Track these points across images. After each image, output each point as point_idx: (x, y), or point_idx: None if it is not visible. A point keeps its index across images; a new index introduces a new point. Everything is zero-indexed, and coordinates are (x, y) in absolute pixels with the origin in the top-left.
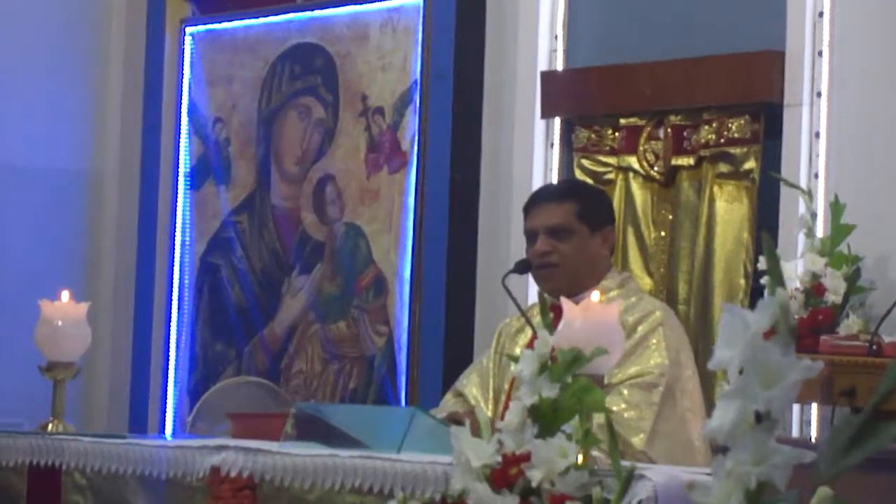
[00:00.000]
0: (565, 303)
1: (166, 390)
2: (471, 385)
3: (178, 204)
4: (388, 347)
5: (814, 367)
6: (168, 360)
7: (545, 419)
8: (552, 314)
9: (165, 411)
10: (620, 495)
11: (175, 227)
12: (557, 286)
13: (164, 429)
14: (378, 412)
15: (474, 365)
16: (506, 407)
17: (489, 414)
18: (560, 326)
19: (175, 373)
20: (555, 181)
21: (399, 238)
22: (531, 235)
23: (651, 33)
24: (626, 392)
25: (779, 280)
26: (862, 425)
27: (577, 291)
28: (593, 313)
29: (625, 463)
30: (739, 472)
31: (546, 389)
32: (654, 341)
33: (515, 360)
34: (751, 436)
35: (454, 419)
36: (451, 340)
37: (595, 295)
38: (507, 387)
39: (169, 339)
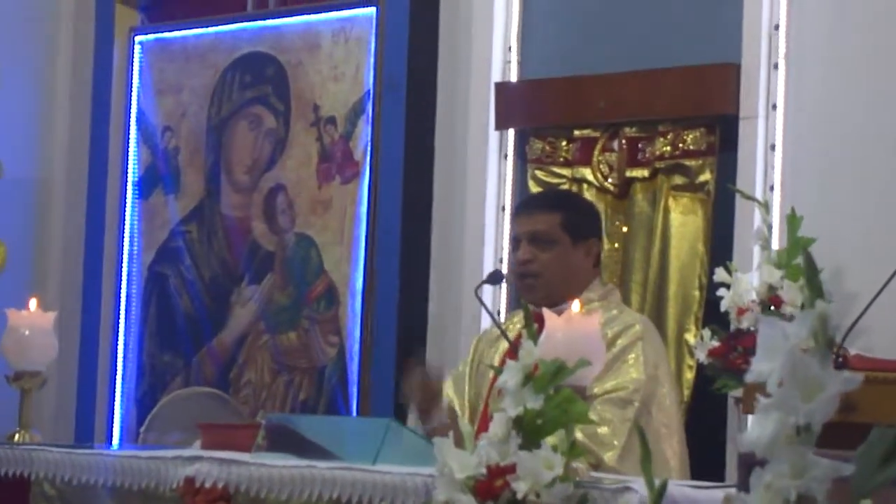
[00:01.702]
0: (547, 314)
1: (114, 400)
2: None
3: (126, 213)
4: (339, 358)
5: (854, 379)
6: (115, 370)
7: (530, 430)
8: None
9: (112, 421)
10: None
11: (123, 237)
12: (537, 296)
13: (111, 439)
14: (352, 424)
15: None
16: (483, 416)
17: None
18: (542, 337)
19: (122, 383)
20: (508, 193)
21: (351, 248)
22: (515, 242)
23: (606, 45)
24: (599, 407)
25: (817, 290)
26: None
27: (557, 301)
28: (575, 324)
29: (597, 475)
30: (779, 485)
31: (530, 401)
32: (633, 356)
33: (498, 370)
34: (790, 448)
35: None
36: (403, 352)
37: (576, 305)
38: (484, 394)
39: (116, 349)
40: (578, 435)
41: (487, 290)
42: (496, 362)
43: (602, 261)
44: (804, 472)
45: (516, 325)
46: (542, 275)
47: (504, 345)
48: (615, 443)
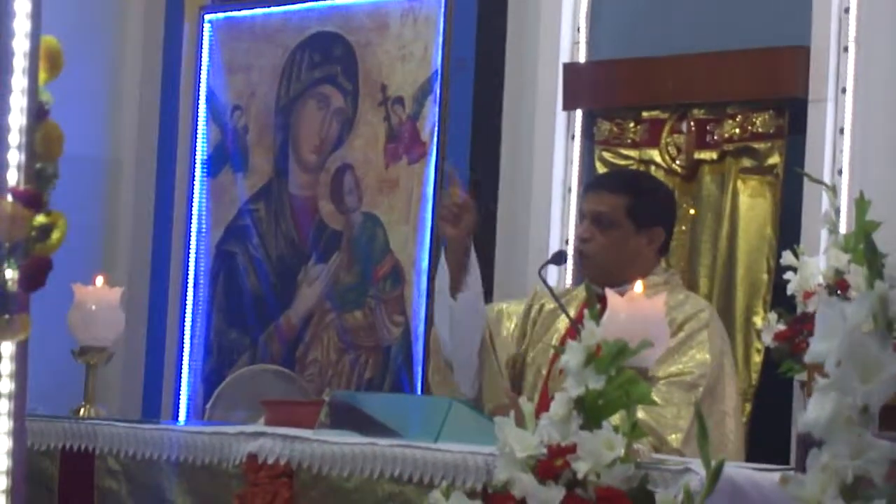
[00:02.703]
0: (610, 294)
1: (180, 377)
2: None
3: (194, 191)
4: (404, 338)
5: None
6: (183, 346)
7: (591, 411)
8: (588, 304)
9: (179, 398)
10: (709, 489)
11: (191, 215)
12: (590, 274)
13: (177, 416)
14: (414, 402)
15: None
16: (544, 395)
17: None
18: (605, 317)
19: (189, 360)
20: (575, 174)
21: (417, 229)
22: (581, 217)
23: (675, 26)
24: (664, 389)
25: (877, 273)
26: None
27: (614, 283)
28: (639, 305)
29: (662, 457)
30: (836, 465)
31: (592, 381)
32: (699, 341)
33: (557, 349)
34: (848, 429)
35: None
36: None
37: (639, 286)
38: (545, 372)
39: (184, 326)
40: (643, 416)
41: (552, 269)
42: (555, 341)
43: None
44: (861, 454)
45: (576, 297)
46: (595, 256)
47: (563, 322)
48: (680, 425)
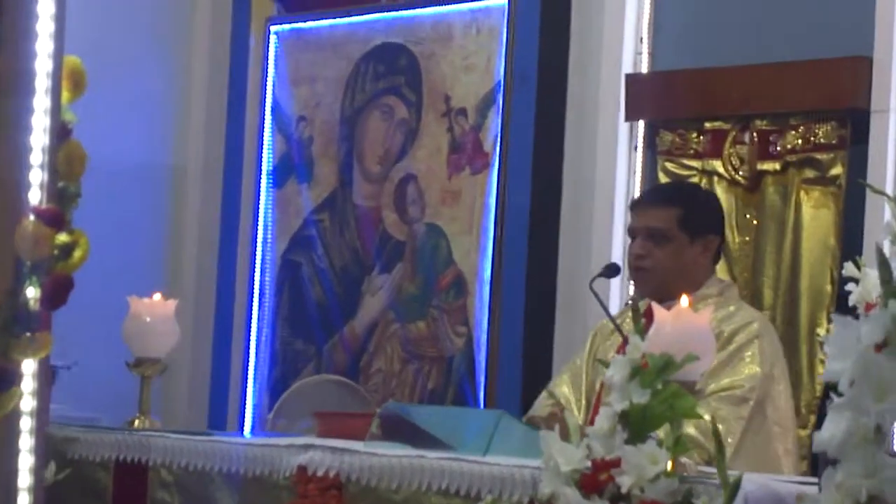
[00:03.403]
0: (656, 308)
1: (246, 387)
2: (562, 385)
3: (260, 201)
4: (467, 348)
5: None
6: (248, 356)
7: (635, 425)
8: (644, 319)
9: (245, 408)
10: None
11: (257, 225)
12: (649, 291)
13: (243, 426)
14: (464, 414)
15: (568, 365)
16: (595, 410)
17: (580, 415)
18: (651, 332)
19: (255, 370)
20: (638, 184)
21: (480, 239)
22: (632, 235)
23: (737, 37)
24: (714, 404)
25: (892, 292)
26: None
27: (670, 297)
28: (684, 319)
29: (708, 470)
30: (850, 484)
31: (637, 395)
32: (750, 353)
33: (606, 364)
34: (862, 449)
35: (535, 423)
36: (530, 342)
37: (684, 300)
38: (598, 388)
39: (250, 336)
40: (692, 430)
41: (611, 283)
42: (610, 357)
43: (732, 254)
44: (875, 473)
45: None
46: (655, 270)
47: (619, 339)
48: (729, 440)
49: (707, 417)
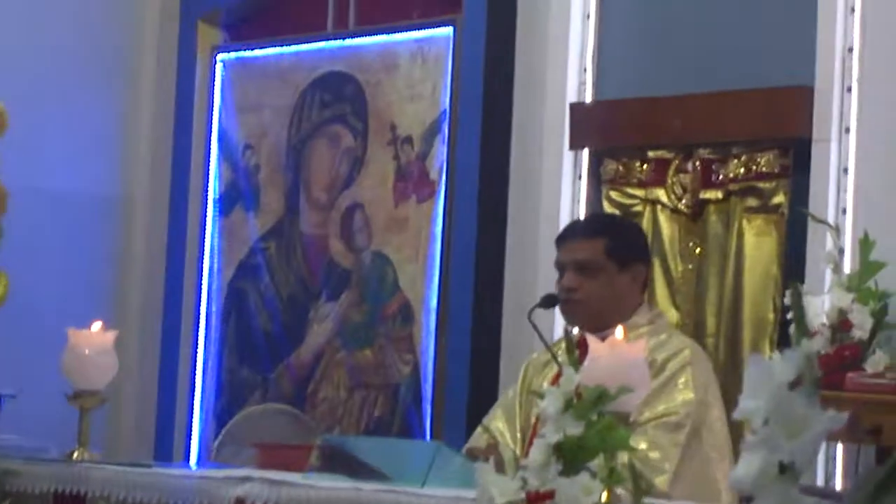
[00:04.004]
0: (591, 339)
1: (192, 416)
2: (496, 420)
3: (206, 230)
4: (413, 376)
5: (838, 418)
6: (195, 385)
7: (570, 457)
8: (578, 350)
9: (191, 437)
10: None
11: (203, 253)
12: (582, 322)
13: (189, 455)
14: (403, 446)
15: (501, 399)
16: (531, 443)
17: (517, 449)
18: (585, 363)
19: (201, 399)
20: (582, 213)
21: (426, 267)
22: (560, 269)
23: (680, 66)
24: (651, 432)
25: (804, 331)
26: (889, 474)
27: (603, 327)
28: (619, 350)
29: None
30: None
31: (571, 427)
32: (683, 380)
33: (541, 396)
34: (775, 486)
35: (475, 454)
36: (476, 370)
37: (619, 331)
38: (533, 421)
39: (196, 364)
40: (631, 461)
41: (554, 313)
42: (545, 388)
43: (675, 283)
44: None
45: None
46: (587, 302)
47: (553, 371)
48: (666, 467)
49: (643, 446)
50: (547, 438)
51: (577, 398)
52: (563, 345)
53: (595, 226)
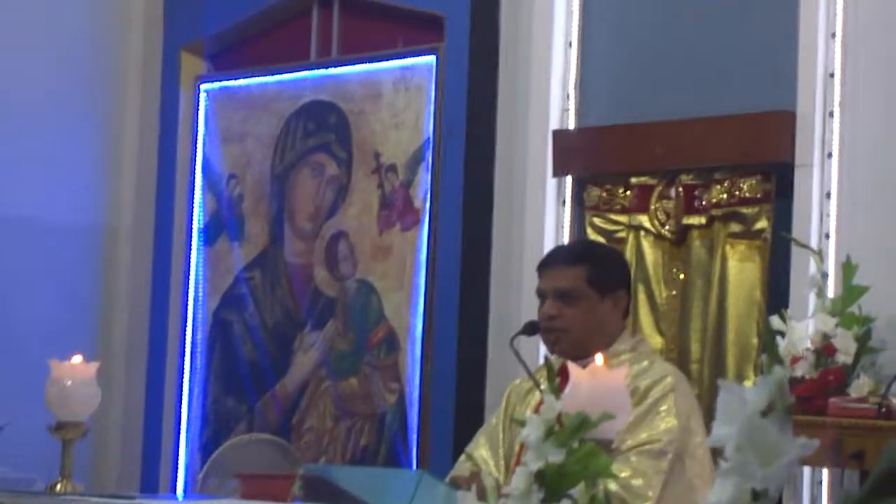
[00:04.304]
0: (572, 367)
1: (178, 446)
2: (479, 448)
3: (191, 260)
4: (399, 404)
5: (810, 444)
6: (180, 416)
7: (551, 484)
8: (559, 378)
9: (177, 468)
10: None
11: (188, 283)
12: (563, 350)
13: (175, 486)
14: (386, 475)
15: (484, 426)
16: (514, 471)
17: (500, 476)
18: (566, 391)
19: (187, 429)
20: (566, 239)
21: (411, 295)
22: (541, 296)
23: (663, 93)
24: (634, 459)
25: (776, 358)
26: (867, 495)
27: (584, 355)
28: (600, 377)
29: None
30: None
31: (552, 454)
32: (665, 407)
33: (522, 424)
34: None
35: (458, 483)
36: (462, 398)
37: (599, 358)
38: (517, 449)
39: (181, 395)
40: (613, 487)
41: (537, 340)
42: (528, 415)
43: (659, 308)
44: None
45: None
46: (568, 330)
47: (536, 398)
48: (649, 494)
49: (626, 473)
50: (528, 466)
51: (559, 425)
52: (545, 372)
53: (576, 253)
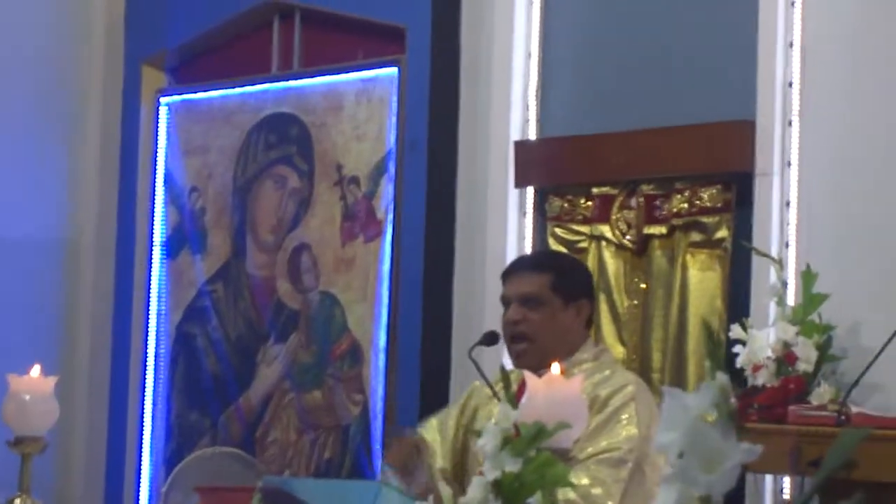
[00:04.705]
0: (528, 376)
1: (141, 461)
2: (429, 430)
3: (153, 273)
4: (363, 416)
5: (754, 450)
6: (143, 430)
7: (508, 494)
8: (518, 388)
9: (141, 482)
10: None
11: (150, 297)
12: (528, 358)
13: (139, 500)
14: (345, 487)
15: (440, 412)
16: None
17: (444, 464)
18: (523, 400)
19: (151, 443)
20: (528, 250)
21: (374, 306)
22: (505, 303)
23: (623, 103)
24: (593, 467)
25: (719, 364)
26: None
27: (548, 363)
28: (556, 387)
29: None
30: None
31: (509, 464)
32: (626, 415)
33: (479, 434)
34: None
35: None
36: (426, 409)
37: (555, 367)
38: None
39: (144, 409)
40: (572, 496)
41: (498, 350)
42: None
43: (621, 318)
44: None
45: (512, 382)
46: (532, 336)
47: (496, 407)
48: (609, 503)
49: (585, 482)
50: (485, 476)
51: (516, 435)
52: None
53: (541, 261)
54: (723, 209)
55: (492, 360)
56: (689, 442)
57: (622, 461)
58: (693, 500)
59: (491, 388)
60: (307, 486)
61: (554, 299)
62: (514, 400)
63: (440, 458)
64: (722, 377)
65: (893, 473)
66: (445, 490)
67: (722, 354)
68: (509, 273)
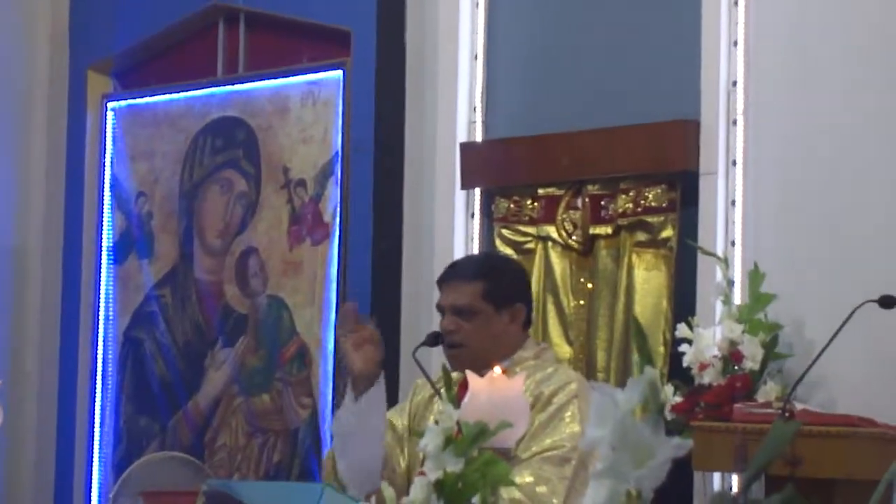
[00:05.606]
0: (470, 376)
1: (91, 466)
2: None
3: (101, 278)
4: (312, 420)
5: (683, 445)
6: (93, 435)
7: (450, 494)
8: (459, 388)
9: (90, 487)
10: None
11: (98, 302)
12: (463, 364)
13: None
14: (289, 488)
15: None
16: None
17: (401, 459)
18: (465, 400)
19: (100, 448)
20: (476, 251)
21: (322, 310)
22: (441, 311)
23: (568, 104)
24: (537, 466)
25: (647, 358)
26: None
27: (485, 367)
28: (498, 386)
29: None
30: None
31: (451, 464)
32: (570, 413)
33: (421, 434)
34: None
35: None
36: None
37: (497, 368)
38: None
39: (93, 414)
40: (517, 494)
41: (438, 349)
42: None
43: (567, 318)
44: None
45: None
46: (466, 344)
47: (438, 407)
48: (554, 501)
49: (529, 480)
50: (427, 476)
51: (458, 434)
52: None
53: (473, 269)
54: (668, 209)
55: (439, 361)
56: (618, 437)
57: (566, 459)
58: (622, 495)
59: (434, 387)
60: (251, 488)
61: (486, 307)
62: (456, 399)
63: (402, 460)
64: (651, 371)
65: (837, 470)
66: (388, 491)
67: (650, 349)
68: (442, 281)
